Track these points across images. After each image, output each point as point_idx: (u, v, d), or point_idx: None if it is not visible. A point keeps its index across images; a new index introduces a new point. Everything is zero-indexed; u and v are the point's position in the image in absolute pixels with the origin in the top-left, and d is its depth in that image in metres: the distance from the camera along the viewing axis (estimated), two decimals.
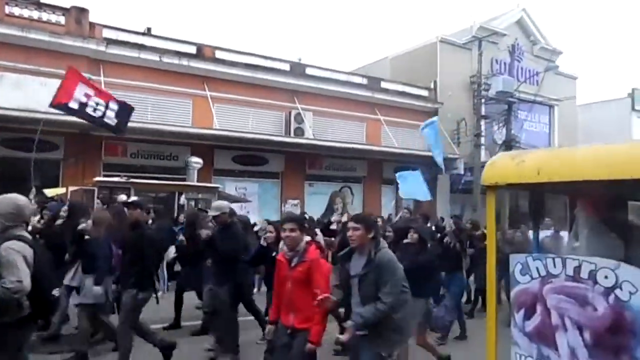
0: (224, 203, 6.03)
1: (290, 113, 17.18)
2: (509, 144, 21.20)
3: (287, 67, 17.62)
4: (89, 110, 7.59)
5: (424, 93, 20.88)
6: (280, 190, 17.57)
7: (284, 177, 17.59)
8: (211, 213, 5.82)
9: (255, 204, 16.67)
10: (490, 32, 22.13)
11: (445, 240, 7.30)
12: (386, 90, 19.69)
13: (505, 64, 23.23)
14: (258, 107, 16.95)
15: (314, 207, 16.33)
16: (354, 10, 69.69)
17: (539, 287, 1.99)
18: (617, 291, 1.76)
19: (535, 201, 2.37)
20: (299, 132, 17.02)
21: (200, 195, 12.47)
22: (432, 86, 21.02)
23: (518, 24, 24.29)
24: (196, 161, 13.70)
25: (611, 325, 1.77)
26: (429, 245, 5.88)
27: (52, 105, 7.68)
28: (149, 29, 16.85)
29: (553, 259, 1.94)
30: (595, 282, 1.82)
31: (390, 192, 19.16)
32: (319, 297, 3.36)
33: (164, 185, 12.20)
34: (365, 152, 18.20)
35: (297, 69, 17.84)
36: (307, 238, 3.82)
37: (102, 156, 14.08)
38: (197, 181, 13.60)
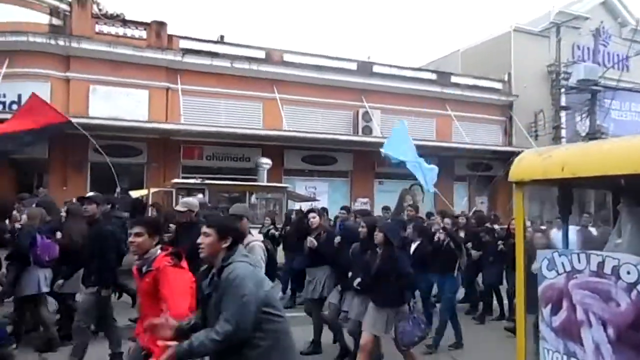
0: (194, 201, 5.59)
1: (358, 112, 17.27)
2: (593, 136, 19.81)
3: (354, 66, 17.73)
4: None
5: (498, 86, 20.06)
6: (350, 188, 17.72)
7: (353, 176, 17.72)
8: (177, 208, 5.46)
9: (325, 202, 16.93)
10: (571, 16, 20.79)
11: (437, 238, 6.69)
12: (457, 85, 19.17)
13: (588, 49, 21.70)
14: (326, 107, 17.21)
15: (384, 206, 16.30)
16: (425, 4, 68.22)
17: (564, 282, 1.97)
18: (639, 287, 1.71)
19: (563, 196, 2.31)
20: (367, 130, 17.07)
21: (270, 195, 12.93)
22: (506, 78, 20.15)
23: (603, 5, 22.56)
24: (265, 162, 14.22)
25: (634, 321, 1.73)
26: (411, 245, 5.66)
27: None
28: (222, 37, 17.73)
29: (578, 254, 1.91)
30: (619, 278, 1.78)
31: (462, 189, 18.66)
32: (149, 322, 2.77)
33: (235, 186, 12.80)
34: (435, 148, 17.84)
35: (364, 67, 17.89)
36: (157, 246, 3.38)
37: (180, 159, 15.04)
38: (268, 181, 14.11)
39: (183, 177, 13.92)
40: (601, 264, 1.84)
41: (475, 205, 17.17)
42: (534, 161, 2.12)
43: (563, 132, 19.76)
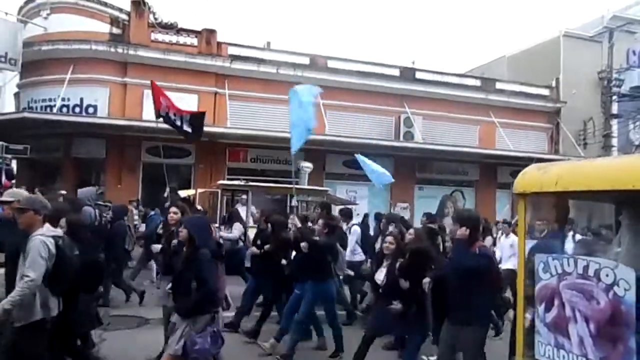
0: (21, 191, 5.00)
1: (399, 117, 17.43)
2: None
3: (396, 72, 17.91)
4: (172, 119, 8.74)
5: (545, 92, 19.69)
6: (390, 194, 17.86)
7: (394, 181, 17.82)
8: (3, 198, 4.86)
9: (365, 207, 17.16)
10: (626, 20, 20.12)
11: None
12: (501, 91, 18.96)
13: None
14: (368, 113, 17.47)
15: (424, 211, 16.35)
16: (472, 9, 67.10)
17: (556, 283, 2.19)
18: (616, 287, 1.92)
19: (559, 208, 2.51)
20: (409, 136, 17.19)
21: (310, 198, 13.29)
22: (553, 84, 19.74)
23: None
24: (307, 165, 14.61)
25: (610, 318, 1.94)
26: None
27: (158, 115, 8.85)
28: (268, 44, 18.35)
29: (567, 258, 2.13)
30: (599, 280, 1.99)
31: (504, 196, 18.40)
32: None
33: (277, 188, 13.25)
34: (478, 155, 17.75)
35: (407, 74, 18.03)
36: None
37: (226, 161, 15.70)
38: (309, 184, 14.50)
39: (228, 179, 14.54)
40: (586, 267, 2.06)
41: (518, 214, 16.92)
42: (534, 175, 2.35)
43: (614, 141, 19.14)
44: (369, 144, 16.13)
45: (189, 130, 8.83)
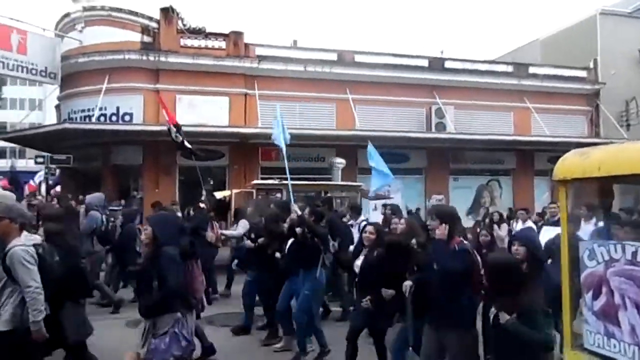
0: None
1: (430, 108, 17.20)
2: None
3: (425, 63, 17.67)
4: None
5: (582, 74, 19.01)
6: (424, 186, 17.66)
7: (427, 173, 17.65)
8: None
9: (399, 200, 17.02)
10: None
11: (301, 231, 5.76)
12: (535, 76, 18.42)
13: None
14: (398, 105, 17.30)
15: (460, 202, 16.10)
16: None
17: (603, 270, 2.13)
18: None
19: (602, 193, 2.42)
20: (440, 127, 16.94)
21: (344, 194, 13.30)
22: (591, 65, 19.03)
23: None
24: (339, 161, 14.62)
25: None
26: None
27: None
28: (295, 42, 18.43)
29: (615, 245, 2.06)
30: None
31: (543, 184, 17.91)
32: None
33: (311, 185, 13.32)
34: (513, 143, 17.32)
35: (436, 63, 17.76)
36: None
37: (259, 161, 15.88)
38: (342, 180, 14.51)
39: (262, 178, 14.69)
40: (635, 253, 1.99)
41: (559, 201, 16.43)
42: (576, 161, 2.28)
43: None
44: (401, 136, 16.00)
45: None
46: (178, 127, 9.60)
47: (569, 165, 2.31)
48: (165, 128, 14.18)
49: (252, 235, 6.98)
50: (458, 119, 17.34)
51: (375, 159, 10.10)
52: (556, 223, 6.73)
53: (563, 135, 17.05)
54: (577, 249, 2.24)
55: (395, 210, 9.64)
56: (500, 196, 18.16)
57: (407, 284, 3.97)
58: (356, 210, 9.23)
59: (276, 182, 12.55)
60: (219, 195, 12.74)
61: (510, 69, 18.54)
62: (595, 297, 2.19)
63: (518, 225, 9.07)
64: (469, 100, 17.56)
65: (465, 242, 3.95)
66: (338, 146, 16.03)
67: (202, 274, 4.28)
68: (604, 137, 16.84)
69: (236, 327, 6.75)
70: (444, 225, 3.75)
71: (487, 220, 10.47)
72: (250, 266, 6.97)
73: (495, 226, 10.14)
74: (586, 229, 5.04)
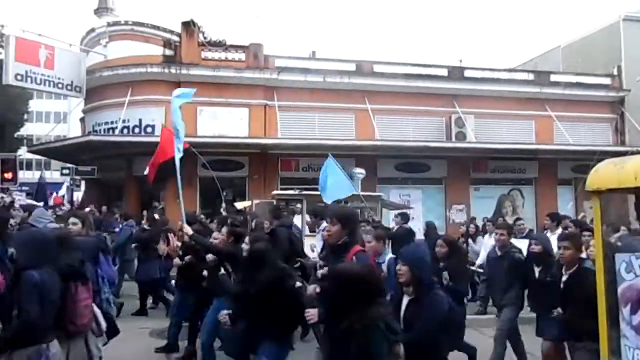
0: None
1: (450, 118, 17.09)
2: None
3: (444, 72, 17.59)
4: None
5: (605, 81, 18.69)
6: (445, 195, 17.51)
7: (448, 183, 17.50)
8: None
9: (420, 210, 16.90)
10: None
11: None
12: (557, 84, 18.17)
13: None
14: (418, 115, 17.24)
15: (481, 212, 15.88)
16: (519, 2, 64.88)
17: None
18: None
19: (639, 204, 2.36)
20: (461, 136, 16.81)
21: (364, 204, 13.25)
22: (615, 72, 18.71)
23: None
24: (359, 171, 14.57)
25: None
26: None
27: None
28: (313, 53, 18.57)
29: None
30: None
31: (567, 192, 17.60)
32: None
33: None
34: (535, 151, 17.09)
35: (455, 73, 17.67)
36: None
37: (278, 171, 15.95)
38: (362, 190, 14.45)
39: (281, 188, 14.74)
40: None
41: (583, 211, 16.08)
42: (610, 171, 2.23)
43: None
44: (420, 146, 15.93)
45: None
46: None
47: (603, 175, 2.27)
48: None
49: (180, 252, 6.47)
50: (478, 128, 17.19)
51: (334, 172, 9.51)
52: (525, 237, 6.62)
53: (587, 144, 16.74)
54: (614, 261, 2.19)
55: (404, 217, 9.83)
56: (523, 206, 17.88)
57: (311, 287, 3.69)
58: (318, 216, 8.94)
59: (296, 192, 12.57)
60: (239, 205, 12.80)
61: (531, 77, 18.34)
62: (634, 311, 2.12)
63: (486, 237, 8.88)
64: (490, 109, 17.40)
65: (365, 251, 3.60)
66: (357, 156, 16.00)
67: (90, 296, 3.71)
68: (629, 145, 16.48)
69: (161, 347, 6.31)
70: (337, 226, 3.37)
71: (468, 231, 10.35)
72: (177, 284, 6.65)
73: (470, 240, 10.01)
74: (552, 239, 4.87)
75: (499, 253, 5.26)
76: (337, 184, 9.45)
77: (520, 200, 18.01)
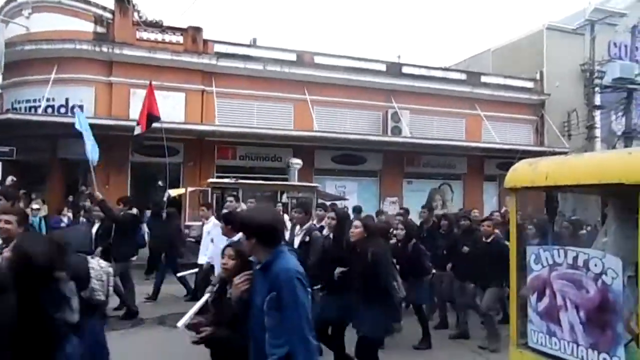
0: None
1: (387, 112, 17.53)
2: (629, 135, 19.48)
3: (383, 67, 18.00)
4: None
5: (529, 85, 19.95)
6: (379, 188, 18.01)
7: (382, 176, 18.00)
8: None
9: (354, 201, 17.25)
10: (608, 13, 20.41)
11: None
12: (487, 85, 19.18)
13: (625, 47, 21.21)
14: (356, 108, 17.55)
15: (413, 205, 16.49)
16: (456, 3, 67.43)
17: (547, 273, 2.29)
18: (604, 276, 2.02)
19: (549, 200, 2.61)
20: (396, 130, 17.31)
21: (300, 194, 13.36)
22: (538, 77, 20.01)
23: None
24: (296, 162, 14.68)
25: (599, 305, 2.04)
26: None
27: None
28: (254, 40, 18.30)
29: (558, 250, 2.23)
30: (588, 269, 2.09)
31: (492, 188, 18.68)
32: None
33: (267, 185, 13.30)
34: (465, 148, 17.96)
35: (393, 68, 18.13)
36: None
37: (215, 159, 15.67)
38: (299, 180, 14.56)
39: (217, 177, 14.51)
40: (575, 258, 2.16)
41: (505, 205, 17.15)
42: (525, 170, 2.44)
43: (597, 132, 19.48)
44: (357, 139, 16.25)
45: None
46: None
47: (519, 174, 2.47)
48: (118, 122, 13.81)
49: None
50: (413, 123, 17.79)
51: (84, 126, 9.43)
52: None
53: (511, 143, 17.84)
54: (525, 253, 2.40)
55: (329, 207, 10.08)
56: (452, 200, 18.76)
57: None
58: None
59: (232, 180, 12.44)
60: (173, 193, 12.46)
61: (463, 77, 19.20)
62: (539, 298, 2.34)
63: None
64: (424, 105, 18.05)
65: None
66: (295, 146, 16.07)
67: None
68: (547, 146, 17.75)
69: None
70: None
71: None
72: None
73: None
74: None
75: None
76: (90, 141, 9.42)
77: (449, 194, 18.89)
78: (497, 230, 6.22)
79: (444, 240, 7.25)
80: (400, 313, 4.80)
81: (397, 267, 5.31)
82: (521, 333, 2.44)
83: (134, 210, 8.43)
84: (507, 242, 5.74)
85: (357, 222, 4.62)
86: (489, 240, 6.02)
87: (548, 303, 2.29)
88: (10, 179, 7.99)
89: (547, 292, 2.29)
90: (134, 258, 7.79)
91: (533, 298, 2.37)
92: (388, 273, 4.20)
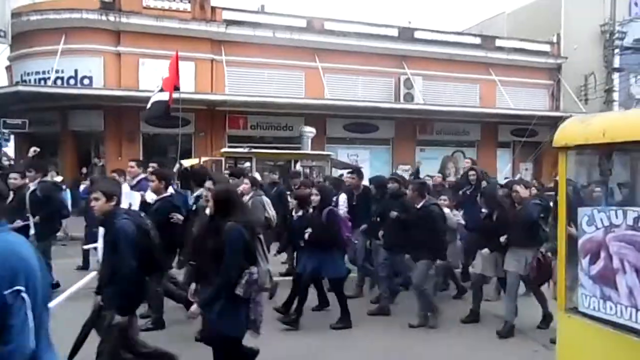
0: None
1: (399, 79, 17.20)
2: None
3: (395, 32, 17.54)
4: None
5: (545, 48, 19.39)
6: (392, 156, 17.83)
7: (395, 143, 17.80)
8: None
9: (367, 170, 17.11)
10: None
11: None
12: (501, 49, 18.65)
13: None
14: (367, 75, 17.21)
15: (425, 172, 16.31)
16: None
17: (602, 236, 2.18)
18: None
19: (604, 160, 2.48)
20: (409, 97, 17.01)
21: (314, 163, 13.25)
22: (554, 40, 19.41)
23: None
24: (309, 130, 14.49)
25: None
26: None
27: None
28: (262, 7, 17.87)
29: (615, 210, 2.11)
30: None
31: (506, 155, 18.42)
32: None
33: (280, 154, 13.19)
34: (479, 115, 17.65)
35: (405, 33, 17.66)
36: None
37: (226, 129, 15.54)
38: (311, 149, 14.42)
39: (229, 146, 14.42)
40: (637, 219, 2.04)
41: (520, 172, 16.94)
42: (577, 128, 2.30)
43: (615, 96, 18.99)
44: (369, 107, 16.00)
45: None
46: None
47: (570, 131, 2.33)
48: (128, 93, 13.66)
49: None
50: (426, 90, 17.46)
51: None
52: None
53: (526, 108, 17.47)
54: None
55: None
56: (464, 167, 18.54)
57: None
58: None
59: (245, 150, 12.34)
60: (186, 163, 12.38)
61: (477, 41, 18.68)
62: (593, 262, 2.24)
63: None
64: (437, 71, 17.65)
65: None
66: (307, 115, 15.87)
67: None
68: (563, 111, 17.35)
69: None
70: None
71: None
72: None
73: None
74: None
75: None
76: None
77: (462, 162, 18.64)
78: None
79: (375, 206, 6.35)
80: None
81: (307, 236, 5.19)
82: (570, 298, 2.36)
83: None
84: (444, 209, 5.64)
85: (314, 190, 5.49)
86: (419, 205, 5.41)
87: (603, 266, 2.19)
88: (33, 150, 7.82)
89: (602, 254, 2.19)
90: None
91: (585, 261, 2.27)
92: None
